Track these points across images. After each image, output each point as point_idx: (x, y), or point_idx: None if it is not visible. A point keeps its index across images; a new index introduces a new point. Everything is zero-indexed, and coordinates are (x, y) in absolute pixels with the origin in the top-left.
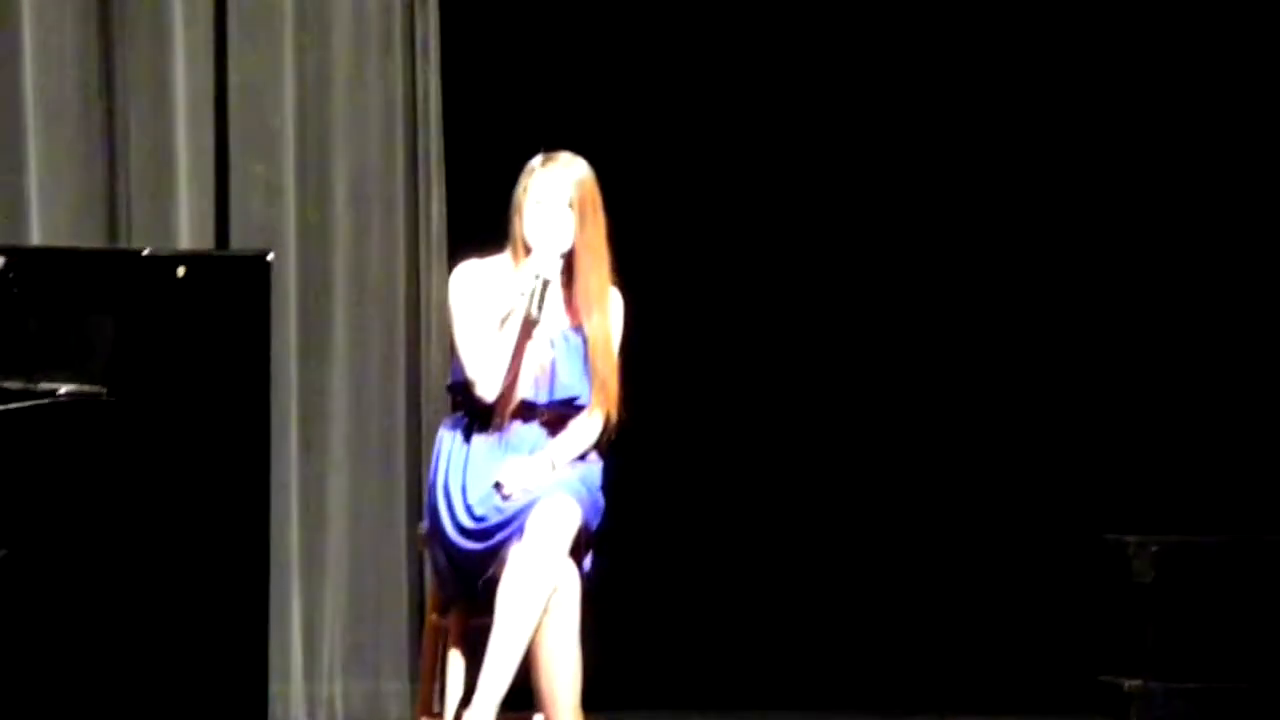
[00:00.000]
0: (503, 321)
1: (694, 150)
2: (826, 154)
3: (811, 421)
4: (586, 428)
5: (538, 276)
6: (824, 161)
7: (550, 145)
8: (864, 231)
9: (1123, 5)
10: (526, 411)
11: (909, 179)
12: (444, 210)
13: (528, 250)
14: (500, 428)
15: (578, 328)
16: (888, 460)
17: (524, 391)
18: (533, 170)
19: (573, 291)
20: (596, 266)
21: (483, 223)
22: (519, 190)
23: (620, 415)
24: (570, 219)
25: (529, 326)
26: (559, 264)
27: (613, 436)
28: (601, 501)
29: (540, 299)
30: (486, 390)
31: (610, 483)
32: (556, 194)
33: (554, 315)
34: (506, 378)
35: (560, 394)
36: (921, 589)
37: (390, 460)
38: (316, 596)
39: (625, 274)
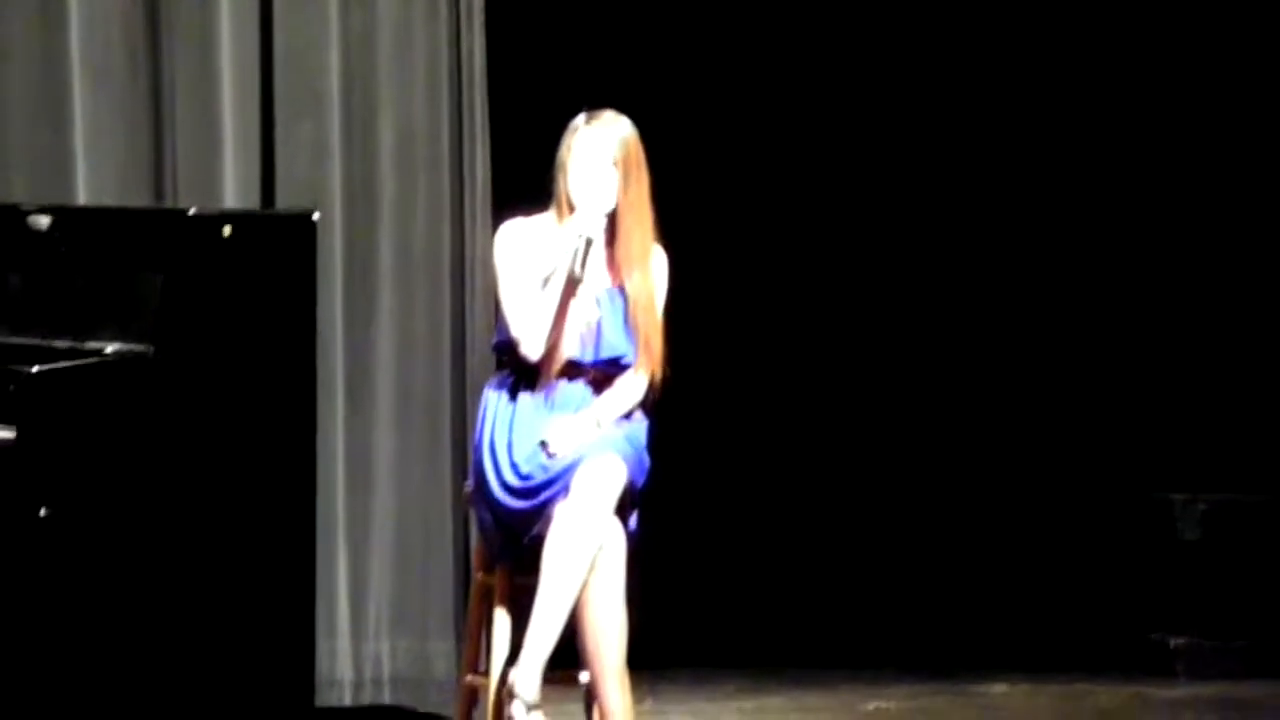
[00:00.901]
0: (546, 280)
1: (738, 108)
2: (873, 114)
3: (858, 379)
4: (632, 386)
5: (581, 235)
6: (870, 121)
7: (594, 104)
8: (911, 191)
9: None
10: (572, 370)
11: (957, 147)
12: (489, 169)
13: (571, 209)
14: (546, 386)
15: (621, 287)
16: (937, 418)
17: (570, 350)
18: (576, 129)
19: (616, 250)
20: (640, 225)
21: (528, 181)
22: (563, 149)
23: (665, 374)
24: (614, 177)
25: (573, 285)
26: (603, 223)
27: (658, 395)
28: (647, 460)
29: (584, 258)
30: (531, 349)
31: (655, 441)
32: (601, 152)
33: (598, 274)
34: (551, 336)
35: (606, 353)
36: (970, 548)
37: (436, 420)
38: (363, 555)
39: (669, 232)
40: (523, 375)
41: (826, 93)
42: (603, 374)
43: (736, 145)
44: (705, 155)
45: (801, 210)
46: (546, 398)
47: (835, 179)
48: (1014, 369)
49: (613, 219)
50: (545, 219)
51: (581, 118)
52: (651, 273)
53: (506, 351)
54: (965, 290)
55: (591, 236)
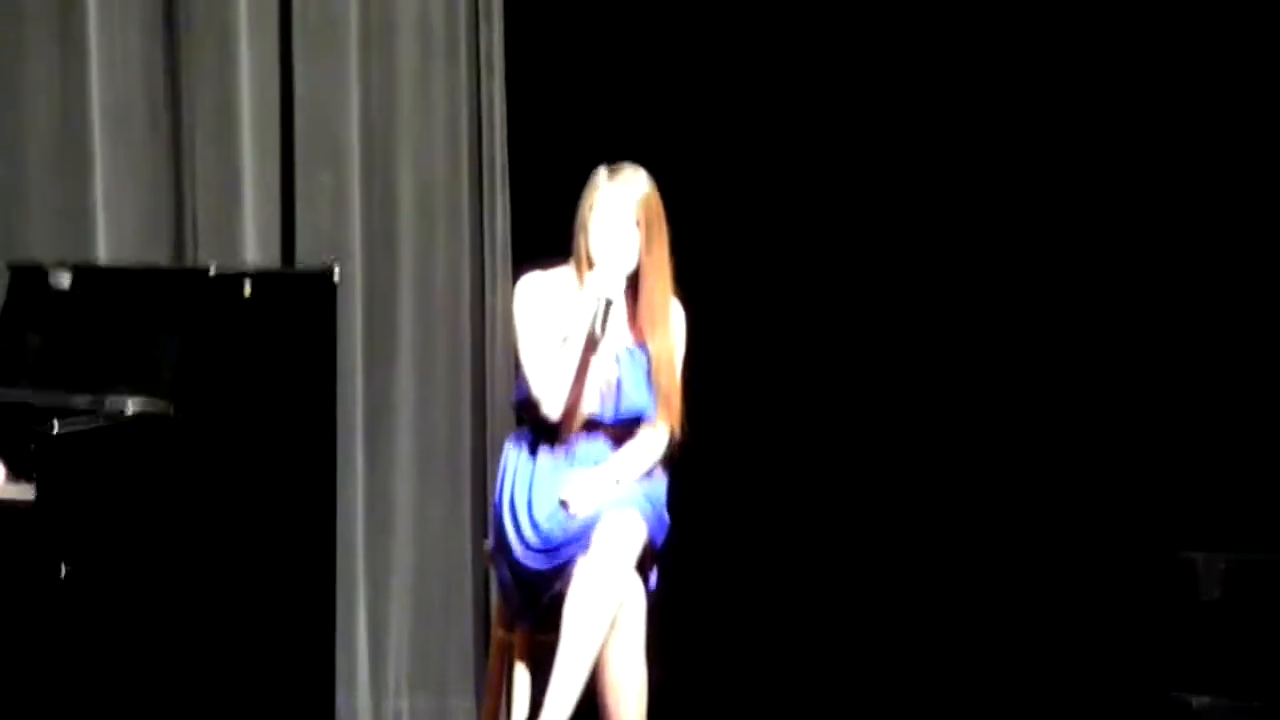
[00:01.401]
0: (566, 339)
1: (755, 159)
2: (890, 167)
3: (875, 438)
4: (651, 443)
5: (601, 298)
6: (888, 174)
7: (614, 156)
8: (924, 249)
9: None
10: (592, 427)
11: (969, 186)
12: (508, 220)
13: (592, 265)
14: (566, 443)
15: (642, 344)
16: (955, 478)
17: (590, 408)
18: (598, 186)
19: (637, 308)
20: (660, 283)
21: (548, 233)
22: (584, 206)
23: (684, 431)
24: (636, 237)
25: (592, 346)
26: (623, 283)
27: (677, 453)
28: (666, 517)
29: (604, 319)
30: (551, 408)
31: (674, 498)
32: (622, 211)
33: (618, 332)
34: (571, 395)
35: (627, 411)
36: (990, 606)
37: (456, 471)
38: (382, 608)
39: (685, 284)
40: (542, 432)
41: (846, 152)
42: (623, 431)
43: (755, 197)
44: (724, 206)
45: (816, 268)
46: (566, 454)
47: (850, 242)
48: (1035, 427)
49: (633, 277)
50: (565, 272)
51: (603, 173)
52: (671, 330)
53: (526, 408)
54: (981, 354)
55: (611, 298)
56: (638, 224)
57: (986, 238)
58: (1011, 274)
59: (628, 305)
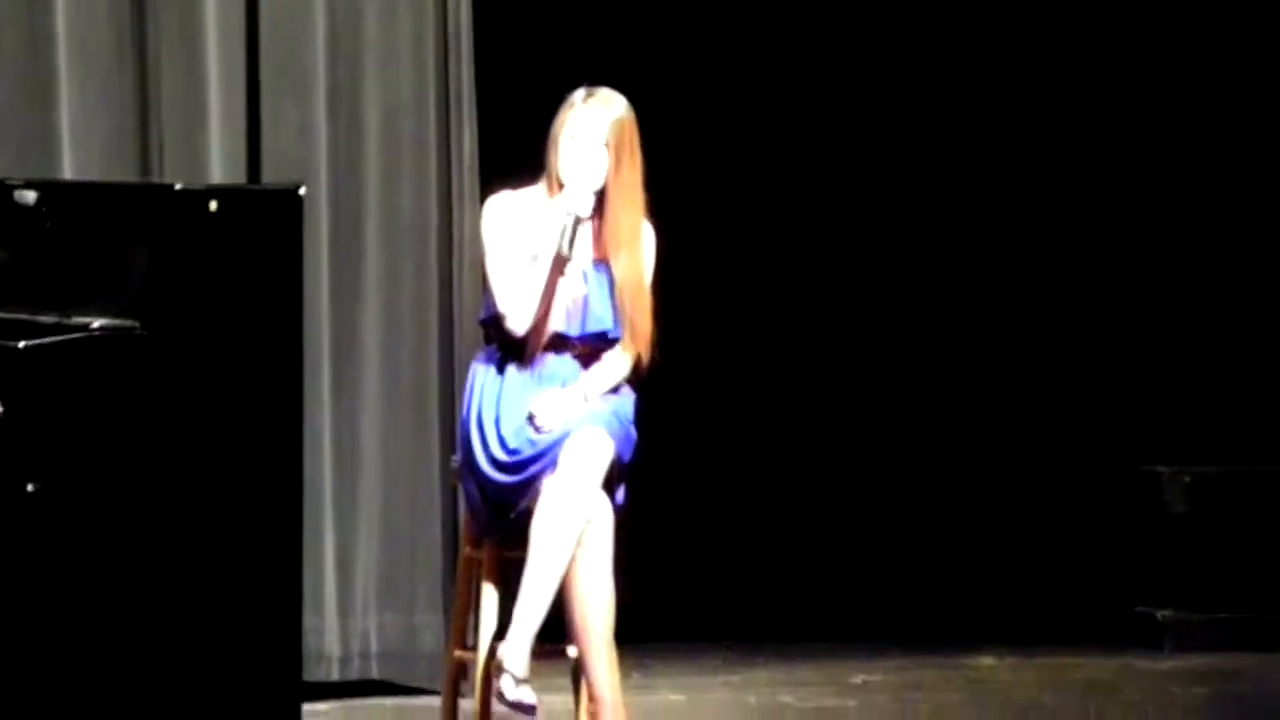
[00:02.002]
0: (535, 256)
1: (734, 86)
2: (868, 99)
3: (845, 352)
4: (618, 362)
5: (569, 214)
6: (867, 100)
7: (583, 79)
8: (907, 170)
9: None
10: (559, 344)
11: (943, 130)
12: (476, 144)
13: (561, 186)
14: (533, 361)
15: (605, 261)
16: (923, 393)
17: (556, 324)
18: (573, 105)
19: (604, 228)
20: (629, 206)
21: (516, 156)
22: (557, 124)
23: (652, 354)
24: (605, 158)
25: (560, 264)
26: (590, 200)
27: (644, 376)
28: (634, 434)
29: (571, 237)
30: (518, 323)
31: (642, 415)
32: (593, 132)
33: (585, 249)
34: (538, 311)
35: (592, 326)
36: (957, 520)
37: (423, 397)
38: (350, 532)
39: (661, 209)
40: (510, 350)
41: (824, 77)
42: (589, 348)
43: (731, 124)
44: (700, 134)
45: (791, 195)
46: (534, 372)
47: (827, 166)
48: (999, 343)
49: (601, 197)
50: (534, 192)
51: (580, 93)
52: (640, 252)
53: (493, 326)
54: (950, 264)
55: (579, 215)
56: (608, 145)
57: (949, 165)
58: (977, 196)
59: (595, 225)
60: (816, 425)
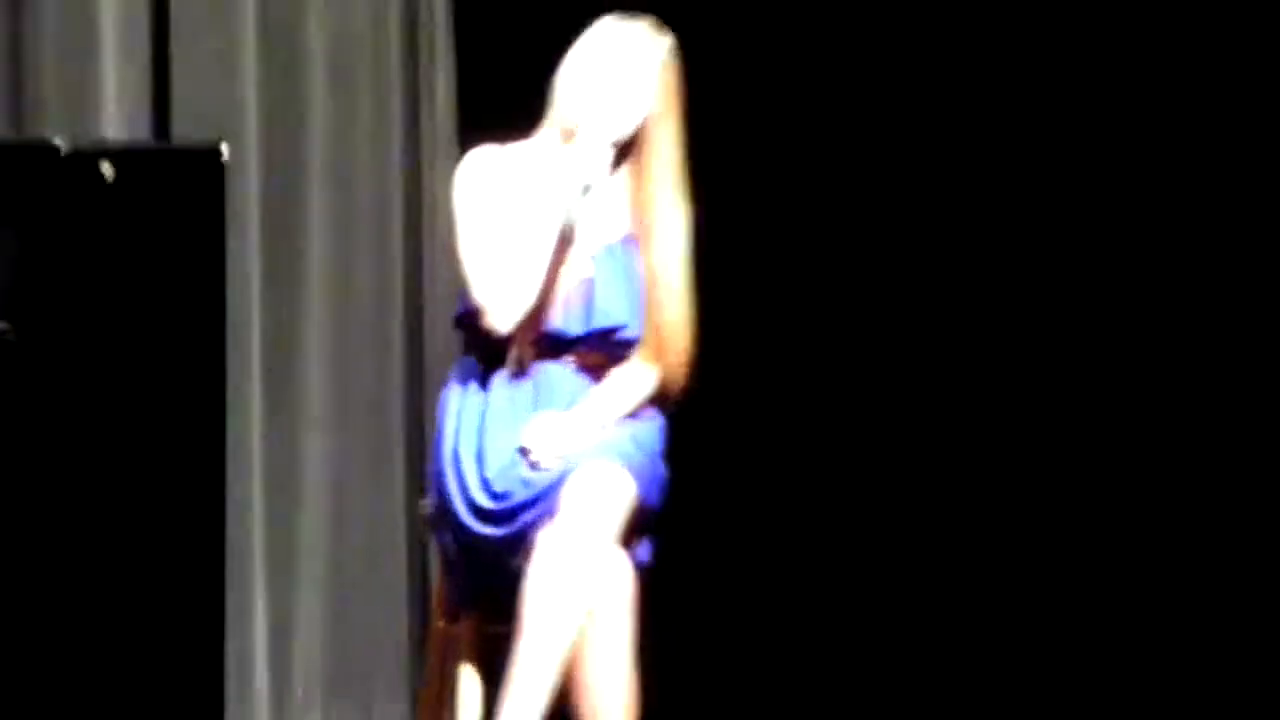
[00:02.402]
0: (526, 229)
1: (788, 27)
2: (943, 69)
3: (911, 387)
4: (640, 375)
5: (579, 179)
6: (940, 77)
7: (603, 8)
8: (980, 177)
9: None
10: (556, 348)
11: (1033, 126)
12: (454, 85)
13: (571, 136)
14: (523, 371)
15: (629, 240)
16: (990, 458)
17: (551, 319)
18: (601, 32)
19: (631, 197)
20: (664, 171)
21: (503, 105)
22: (573, 53)
23: (687, 370)
24: (640, 103)
25: (564, 242)
26: (609, 156)
27: (676, 398)
28: (662, 470)
29: (580, 206)
30: (501, 318)
31: (673, 445)
32: (624, 70)
33: (599, 224)
34: (532, 302)
35: (600, 322)
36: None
37: (383, 418)
38: (287, 595)
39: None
40: (493, 359)
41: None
42: (599, 354)
43: (789, 68)
44: (748, 81)
45: (856, 168)
46: (525, 388)
47: (892, 141)
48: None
49: (628, 153)
50: (528, 148)
51: (609, 19)
52: (679, 231)
53: (472, 326)
54: (1041, 315)
55: (590, 181)
56: (644, 88)
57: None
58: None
59: (616, 191)
60: (876, 470)
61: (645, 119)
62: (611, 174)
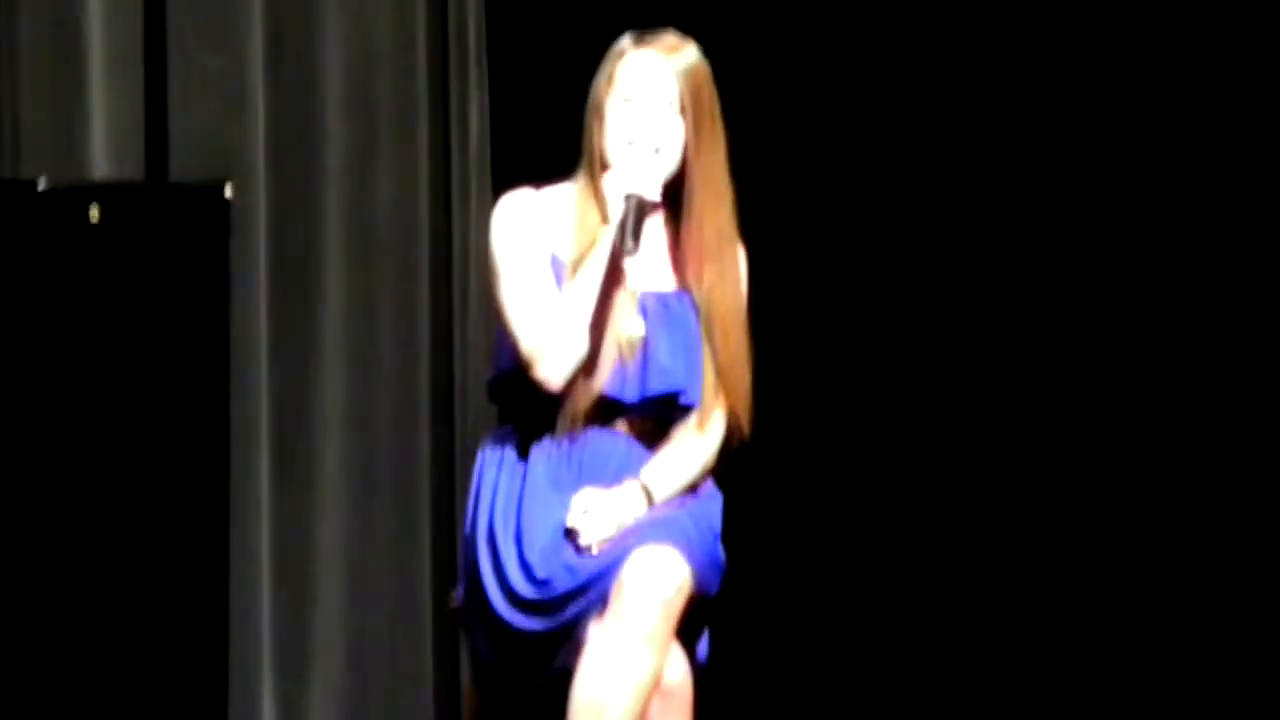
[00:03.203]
0: (574, 268)
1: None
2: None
3: (983, 434)
4: (699, 445)
5: (629, 197)
6: (976, 94)
7: (641, 22)
8: (1022, 219)
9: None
10: (607, 413)
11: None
12: (487, 119)
13: (606, 166)
14: (571, 440)
15: (683, 292)
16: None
17: (605, 383)
18: (621, 54)
19: (682, 235)
20: (716, 203)
21: (541, 138)
22: (600, 82)
23: (748, 429)
24: (677, 127)
25: (618, 267)
26: (658, 181)
27: (731, 455)
28: (722, 555)
29: (635, 225)
30: (553, 368)
31: (731, 525)
32: (655, 88)
33: (646, 270)
34: (585, 348)
35: (657, 386)
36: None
37: (408, 495)
38: (298, 691)
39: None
40: (535, 427)
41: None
42: (653, 421)
43: (828, 89)
44: (786, 100)
45: (903, 196)
46: (570, 459)
47: (941, 166)
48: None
49: (674, 189)
50: (566, 190)
51: (628, 39)
52: (737, 270)
53: (510, 391)
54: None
55: (643, 195)
56: (681, 109)
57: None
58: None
59: (666, 233)
60: (963, 536)
61: (689, 138)
62: (653, 216)
